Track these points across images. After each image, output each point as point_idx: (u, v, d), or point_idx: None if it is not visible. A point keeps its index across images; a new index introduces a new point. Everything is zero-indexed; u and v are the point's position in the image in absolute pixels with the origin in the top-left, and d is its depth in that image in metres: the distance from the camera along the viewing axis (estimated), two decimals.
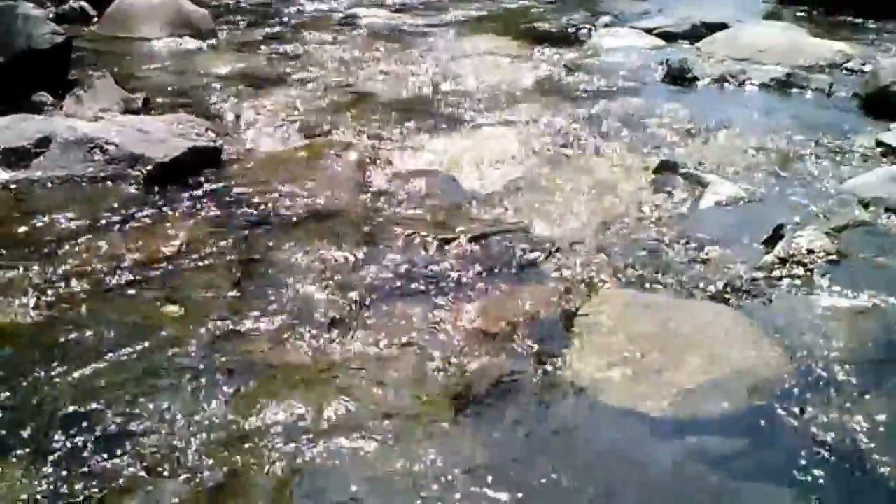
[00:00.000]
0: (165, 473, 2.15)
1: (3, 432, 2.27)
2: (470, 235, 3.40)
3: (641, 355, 2.67)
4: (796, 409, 2.43)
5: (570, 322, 2.87)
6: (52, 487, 2.09)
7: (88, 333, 2.69)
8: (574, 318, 2.89)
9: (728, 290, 3.05)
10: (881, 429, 2.36)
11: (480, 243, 3.36)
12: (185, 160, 3.90)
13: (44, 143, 3.86)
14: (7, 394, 2.41)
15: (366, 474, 2.18)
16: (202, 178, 3.85)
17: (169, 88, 5.27)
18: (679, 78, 5.67)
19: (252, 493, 2.12)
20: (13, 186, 3.67)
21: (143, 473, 2.14)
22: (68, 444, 2.22)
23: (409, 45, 6.58)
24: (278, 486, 2.14)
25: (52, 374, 2.49)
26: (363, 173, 4.04)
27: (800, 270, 3.14)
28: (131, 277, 3.03)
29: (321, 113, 4.90)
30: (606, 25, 7.33)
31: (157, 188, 3.72)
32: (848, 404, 2.45)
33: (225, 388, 2.46)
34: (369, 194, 3.81)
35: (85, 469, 2.15)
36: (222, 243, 3.29)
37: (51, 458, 2.18)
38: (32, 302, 2.85)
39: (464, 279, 3.11)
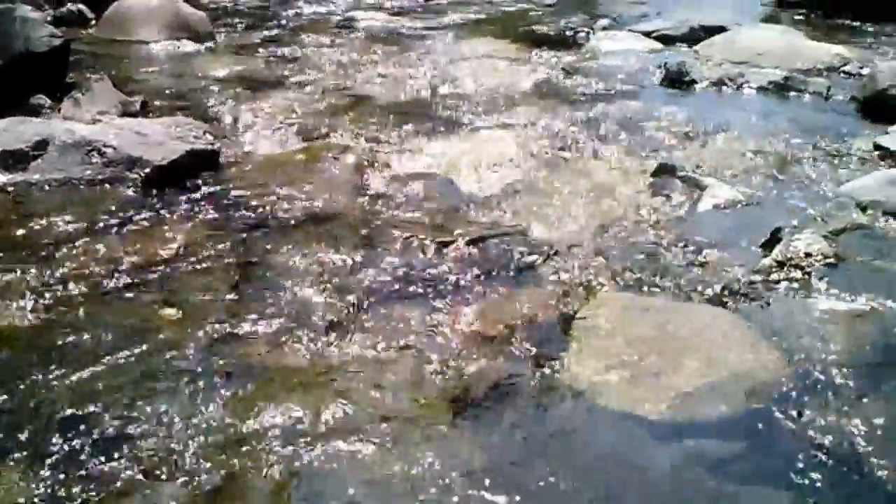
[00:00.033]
0: (163, 477, 2.15)
1: (1, 435, 2.27)
2: (468, 239, 3.40)
3: (639, 358, 2.66)
4: (794, 413, 2.43)
5: (569, 325, 2.87)
6: (50, 490, 2.09)
7: (86, 336, 2.68)
8: (572, 321, 2.89)
9: (726, 293, 3.05)
10: (879, 432, 2.36)
11: (478, 246, 3.36)
12: (182, 163, 3.90)
13: (41, 145, 3.86)
14: (5, 397, 2.40)
15: (364, 478, 2.18)
16: (200, 181, 3.85)
17: (167, 91, 5.27)
18: (677, 81, 5.68)
19: (250, 497, 2.12)
20: (11, 189, 3.66)
21: (140, 477, 2.14)
22: (66, 448, 2.22)
23: (407, 48, 6.58)
24: (276, 490, 2.13)
25: (50, 377, 2.48)
26: (361, 176, 4.04)
27: (797, 274, 3.14)
28: (129, 280, 3.03)
29: (319, 116, 4.90)
30: (604, 29, 7.34)
31: (154, 191, 3.72)
32: (846, 408, 2.45)
33: (223, 392, 2.46)
34: (367, 197, 3.81)
35: (83, 472, 2.14)
36: (220, 246, 3.29)
37: (49, 461, 2.17)
38: (30, 305, 2.85)
39: (462, 282, 3.11)
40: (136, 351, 2.62)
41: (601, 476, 2.24)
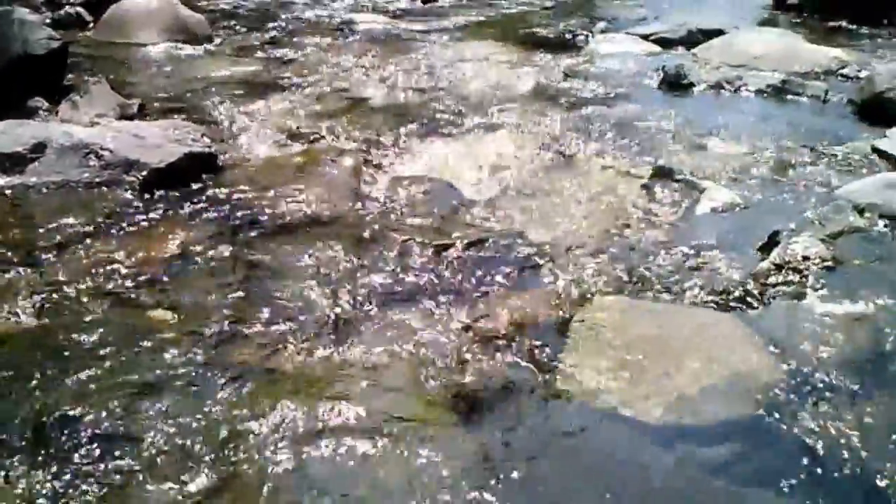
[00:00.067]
0: (162, 478, 2.14)
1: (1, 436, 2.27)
2: (466, 241, 3.40)
3: (638, 361, 2.67)
4: (792, 416, 2.43)
5: (567, 328, 2.87)
6: (48, 491, 2.09)
7: (84, 339, 2.68)
8: (570, 323, 2.89)
9: (724, 296, 3.05)
10: (877, 435, 2.37)
11: (477, 249, 3.36)
12: (180, 166, 3.90)
13: (39, 148, 3.86)
14: (2, 398, 2.40)
15: (363, 479, 2.18)
16: (198, 184, 3.84)
17: (165, 94, 5.27)
18: (675, 84, 5.68)
19: (249, 498, 2.11)
20: (8, 192, 3.66)
21: (138, 479, 2.14)
22: (65, 449, 2.22)
23: (406, 50, 6.58)
24: (276, 491, 2.13)
25: (48, 379, 2.48)
26: (359, 179, 4.03)
27: (795, 277, 3.14)
28: (126, 283, 3.03)
29: (318, 118, 4.90)
30: (603, 31, 7.35)
31: (152, 194, 3.72)
32: (844, 411, 2.45)
33: (221, 394, 2.46)
34: (366, 200, 3.81)
35: (82, 473, 2.15)
36: (218, 249, 3.28)
37: (47, 462, 2.18)
38: (28, 307, 2.85)
39: (460, 285, 3.11)
40: (134, 354, 2.62)
41: (600, 478, 2.24)
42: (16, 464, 2.18)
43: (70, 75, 5.28)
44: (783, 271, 3.17)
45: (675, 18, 7.56)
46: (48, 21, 6.29)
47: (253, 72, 5.87)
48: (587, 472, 2.26)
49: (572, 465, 2.28)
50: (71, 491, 2.10)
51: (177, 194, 3.73)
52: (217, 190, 3.80)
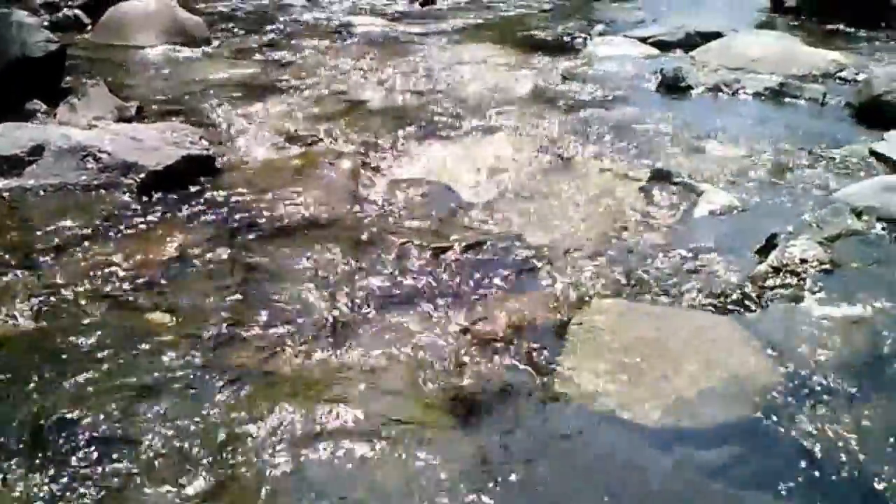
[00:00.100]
0: (159, 481, 2.14)
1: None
2: (464, 244, 3.40)
3: (636, 364, 2.67)
4: (790, 419, 2.43)
5: (565, 330, 2.87)
6: (46, 494, 2.09)
7: (81, 342, 2.68)
8: (569, 326, 2.89)
9: (722, 299, 3.05)
10: (874, 438, 2.37)
11: (475, 252, 3.36)
12: (178, 168, 3.90)
13: (37, 151, 3.85)
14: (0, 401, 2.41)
15: (360, 482, 2.18)
16: (196, 187, 3.84)
17: (162, 96, 5.27)
18: (673, 87, 5.69)
19: (246, 502, 2.11)
20: (6, 194, 3.65)
21: (136, 482, 2.14)
22: (62, 451, 2.22)
23: (404, 53, 6.59)
24: (272, 495, 2.13)
25: (45, 382, 2.48)
26: (357, 181, 4.03)
27: (793, 280, 3.14)
28: (124, 286, 3.03)
29: (316, 121, 4.90)
30: (601, 34, 7.36)
31: (150, 196, 3.71)
32: (841, 414, 2.45)
33: (219, 397, 2.46)
34: (364, 202, 3.81)
35: (79, 476, 2.14)
36: (216, 252, 3.28)
37: (45, 465, 2.17)
38: (25, 310, 2.84)
39: (458, 288, 3.11)
40: (132, 356, 2.62)
41: (598, 481, 2.24)
42: (14, 466, 2.17)
43: (68, 78, 5.27)
44: (781, 274, 3.18)
45: (673, 21, 7.57)
46: (46, 24, 6.28)
47: (251, 74, 5.87)
48: (585, 475, 2.26)
49: (570, 468, 2.28)
50: (69, 494, 2.10)
51: (175, 197, 3.73)
52: (215, 192, 3.79)
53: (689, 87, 5.68)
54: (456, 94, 5.49)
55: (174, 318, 2.86)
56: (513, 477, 2.22)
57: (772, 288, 3.11)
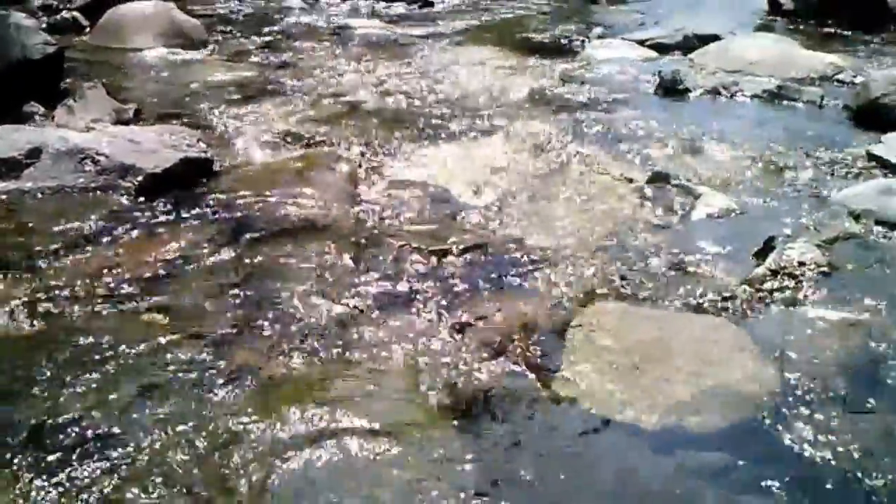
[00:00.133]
0: (160, 482, 2.14)
1: None
2: (463, 246, 3.39)
3: (635, 366, 2.66)
4: (788, 422, 2.43)
5: (564, 333, 2.87)
6: (44, 495, 2.09)
7: (80, 344, 2.68)
8: (568, 329, 2.89)
9: (719, 302, 3.05)
10: (872, 442, 2.36)
11: (474, 254, 3.36)
12: (176, 171, 3.89)
13: (35, 153, 3.85)
14: None
15: (360, 484, 2.17)
16: (194, 189, 3.84)
17: (161, 99, 5.27)
18: (671, 89, 5.69)
19: (247, 503, 2.12)
20: (3, 197, 3.65)
21: (137, 482, 2.13)
22: (62, 453, 2.22)
23: (403, 55, 6.59)
24: (272, 496, 2.13)
25: (43, 384, 2.48)
26: (356, 184, 4.03)
27: (791, 283, 3.14)
28: (123, 288, 3.02)
29: (314, 123, 4.90)
30: (600, 37, 7.38)
31: (148, 199, 3.71)
32: (838, 417, 2.45)
33: (220, 398, 2.46)
34: (362, 205, 3.81)
35: (78, 477, 2.14)
36: (214, 254, 3.28)
37: (44, 466, 2.17)
38: (22, 313, 2.84)
39: (457, 291, 3.11)
40: (131, 358, 2.61)
41: (597, 483, 2.24)
42: (13, 467, 2.17)
43: (66, 80, 5.27)
44: (778, 277, 3.18)
45: (672, 24, 7.59)
46: (44, 26, 6.29)
47: (249, 77, 5.88)
48: (584, 477, 2.26)
49: (569, 470, 2.27)
50: (67, 495, 2.09)
51: (173, 199, 3.72)
52: (213, 195, 3.79)
53: (688, 90, 5.69)
54: (454, 96, 5.49)
55: (173, 320, 2.86)
56: (512, 479, 2.22)
57: (769, 291, 3.11)
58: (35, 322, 2.81)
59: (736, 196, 3.95)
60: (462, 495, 2.15)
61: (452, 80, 5.83)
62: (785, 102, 5.53)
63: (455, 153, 4.49)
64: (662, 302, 3.06)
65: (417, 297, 3.06)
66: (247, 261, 3.26)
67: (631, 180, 4.11)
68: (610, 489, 2.23)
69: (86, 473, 2.16)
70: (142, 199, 3.71)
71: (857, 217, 3.65)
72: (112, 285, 3.04)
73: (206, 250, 3.30)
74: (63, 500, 2.09)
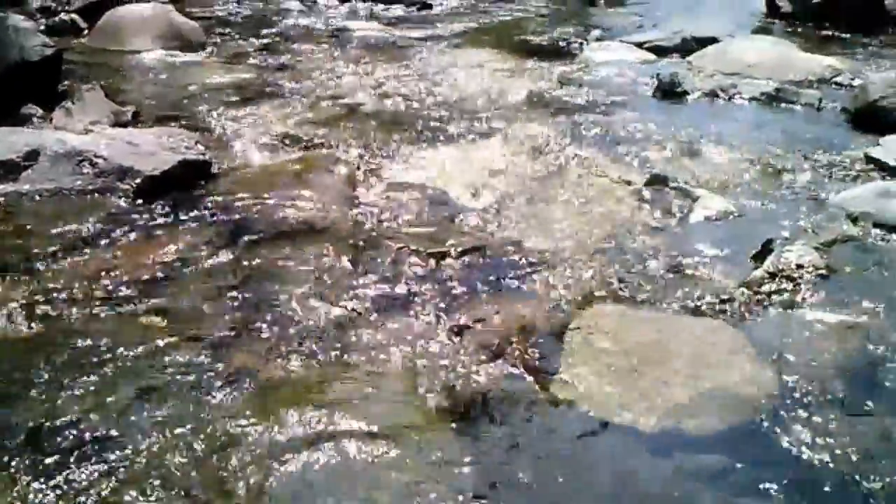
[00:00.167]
0: (158, 485, 2.14)
1: None
2: (461, 249, 3.39)
3: (634, 369, 2.67)
4: (786, 424, 2.43)
5: (563, 335, 2.87)
6: (42, 498, 2.08)
7: (78, 346, 2.67)
8: (566, 331, 2.89)
9: (717, 304, 3.05)
10: (870, 444, 2.37)
11: (472, 256, 3.36)
12: (174, 173, 3.89)
13: (33, 156, 3.84)
14: None
15: (358, 487, 2.17)
16: (192, 192, 3.83)
17: (159, 101, 5.27)
18: (669, 92, 5.70)
19: None
20: (1, 199, 3.64)
21: (135, 485, 2.13)
22: (59, 455, 2.22)
23: (401, 58, 6.59)
24: (270, 498, 2.13)
25: (42, 386, 2.47)
26: (354, 186, 4.03)
27: (789, 285, 3.15)
28: (121, 290, 3.02)
29: (312, 126, 4.90)
30: (598, 39, 7.39)
31: (146, 201, 3.71)
32: (836, 420, 2.46)
33: (215, 402, 2.45)
34: (360, 207, 3.81)
35: (76, 480, 2.14)
36: (212, 257, 3.28)
37: (42, 468, 2.17)
38: (20, 315, 2.83)
39: (455, 293, 3.10)
40: (129, 360, 2.61)
41: (595, 485, 2.24)
42: (11, 470, 2.17)
43: (64, 82, 5.27)
44: (777, 279, 3.18)
45: (670, 26, 7.59)
46: (42, 28, 6.28)
47: (247, 79, 5.88)
48: (582, 480, 2.26)
49: (567, 473, 2.27)
50: (65, 497, 2.09)
51: (171, 202, 3.72)
52: (211, 197, 3.79)
53: (686, 93, 5.70)
54: (452, 98, 5.50)
55: (171, 323, 2.85)
56: (511, 481, 2.22)
57: (768, 293, 3.11)
58: (33, 324, 2.80)
59: (734, 198, 3.95)
60: (460, 498, 2.15)
61: (451, 83, 5.83)
62: (783, 105, 5.54)
63: (453, 155, 4.49)
64: (661, 304, 3.07)
65: (416, 299, 3.06)
66: (245, 263, 3.25)
67: (629, 183, 4.11)
68: (608, 492, 2.23)
69: (83, 476, 2.16)
70: (140, 201, 3.71)
71: (854, 220, 3.66)
72: (110, 288, 3.03)
73: (204, 253, 3.30)
74: (61, 502, 2.08)
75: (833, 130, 5.09)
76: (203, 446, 2.28)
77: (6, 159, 3.81)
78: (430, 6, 8.82)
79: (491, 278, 3.21)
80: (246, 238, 3.44)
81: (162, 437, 2.30)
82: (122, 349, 2.66)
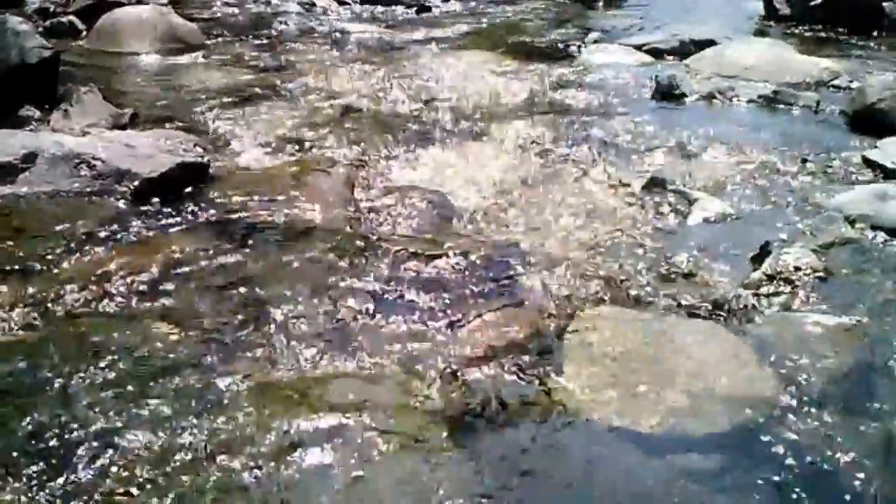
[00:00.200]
0: (157, 489, 2.13)
1: None
2: (459, 251, 3.39)
3: (631, 372, 2.67)
4: (784, 428, 2.43)
5: (560, 339, 2.87)
6: (41, 500, 2.08)
7: (76, 350, 2.67)
8: (563, 335, 2.89)
9: (715, 307, 3.05)
10: (868, 447, 2.37)
11: (469, 259, 3.36)
12: (172, 176, 3.88)
13: (30, 158, 3.83)
14: None
15: (355, 493, 2.17)
16: (190, 194, 3.83)
17: (157, 103, 5.26)
18: (667, 94, 5.70)
19: None
20: None
21: (133, 490, 2.13)
22: (58, 460, 2.21)
23: (399, 60, 6.60)
24: (267, 502, 2.12)
25: (40, 390, 2.47)
26: (352, 189, 4.03)
27: (787, 288, 3.15)
28: (119, 293, 3.01)
29: (310, 128, 4.89)
30: (596, 42, 7.39)
31: (144, 204, 3.70)
32: (835, 422, 2.46)
33: (213, 404, 2.45)
34: (358, 210, 3.81)
35: (75, 485, 2.13)
36: (210, 259, 3.27)
37: (41, 473, 2.16)
38: (17, 318, 2.83)
39: (452, 296, 3.10)
40: (127, 363, 2.60)
41: (593, 491, 2.24)
42: (9, 474, 2.16)
43: (62, 85, 5.25)
44: (775, 282, 3.18)
45: (668, 29, 7.59)
46: (40, 30, 6.28)
47: (246, 81, 5.87)
48: (580, 483, 2.26)
49: (565, 476, 2.27)
50: (64, 498, 2.08)
51: (168, 204, 3.71)
52: (209, 200, 3.78)
53: (684, 95, 5.70)
54: (451, 100, 5.49)
55: (168, 325, 2.85)
56: (507, 488, 2.21)
57: (766, 295, 3.12)
58: (30, 328, 2.80)
59: (732, 201, 3.96)
60: (460, 501, 2.14)
61: (449, 85, 5.83)
62: (781, 107, 5.54)
63: (452, 158, 4.49)
64: (659, 307, 3.07)
65: (413, 301, 3.05)
66: (242, 266, 3.25)
67: (627, 185, 4.12)
68: (606, 494, 2.22)
69: (82, 477, 2.15)
70: (138, 204, 3.70)
71: (852, 222, 3.66)
72: (107, 290, 3.03)
73: (201, 255, 3.30)
74: (59, 502, 2.08)
75: (831, 133, 5.10)
76: (201, 447, 2.27)
77: (3, 161, 3.79)
78: (428, 8, 8.82)
79: (489, 281, 3.21)
80: (244, 240, 3.44)
81: (160, 438, 2.30)
82: (119, 351, 2.66)
